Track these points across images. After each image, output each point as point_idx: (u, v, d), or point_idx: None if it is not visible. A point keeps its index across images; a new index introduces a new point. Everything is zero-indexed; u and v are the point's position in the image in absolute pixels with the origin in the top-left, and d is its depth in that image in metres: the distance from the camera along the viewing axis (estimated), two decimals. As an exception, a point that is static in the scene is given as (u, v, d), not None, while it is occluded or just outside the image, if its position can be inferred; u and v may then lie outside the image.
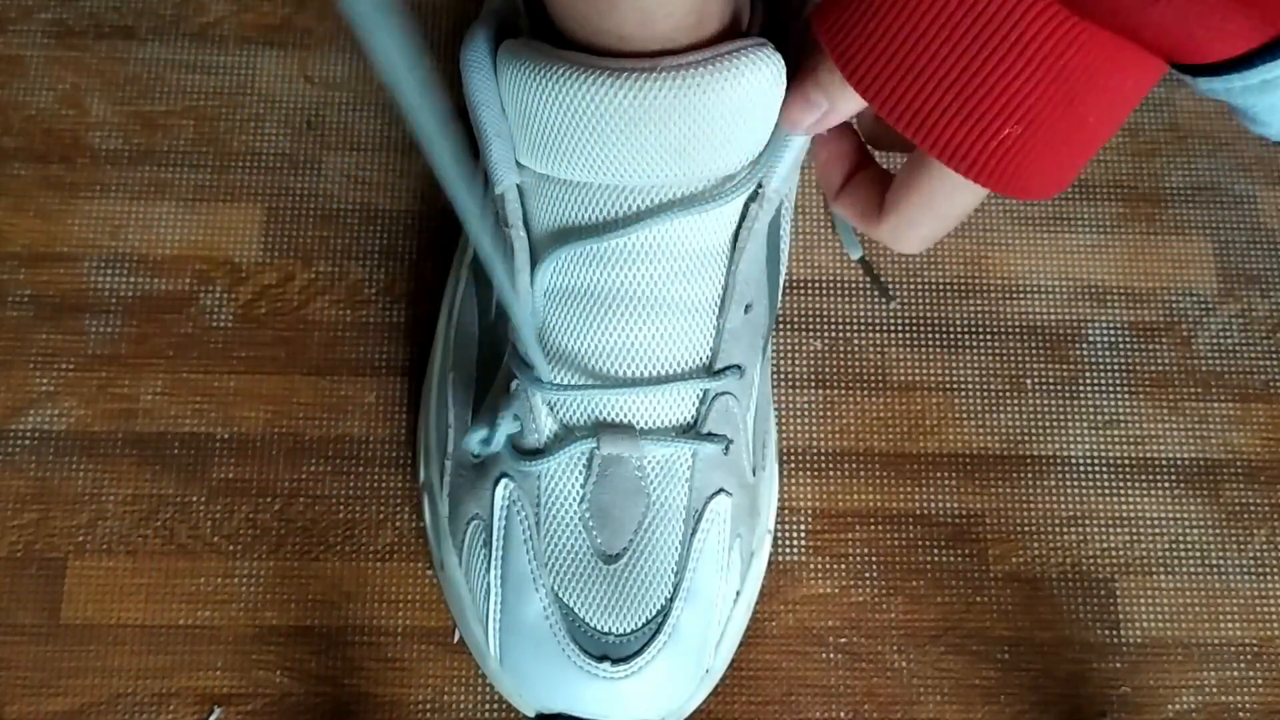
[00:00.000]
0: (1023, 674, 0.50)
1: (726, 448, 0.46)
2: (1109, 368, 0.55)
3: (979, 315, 0.56)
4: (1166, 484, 0.53)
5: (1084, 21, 0.30)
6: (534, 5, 0.42)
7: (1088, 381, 0.55)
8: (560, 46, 0.39)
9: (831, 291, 0.56)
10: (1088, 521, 0.53)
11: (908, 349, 0.55)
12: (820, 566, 0.51)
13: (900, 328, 0.55)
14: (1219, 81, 0.28)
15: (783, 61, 0.40)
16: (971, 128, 0.32)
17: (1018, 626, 0.51)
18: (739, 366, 0.45)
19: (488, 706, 0.49)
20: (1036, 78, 0.31)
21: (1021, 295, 0.56)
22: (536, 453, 0.45)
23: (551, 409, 0.45)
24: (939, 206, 0.38)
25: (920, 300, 0.56)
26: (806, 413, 0.54)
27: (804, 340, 0.55)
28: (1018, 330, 0.56)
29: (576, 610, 0.44)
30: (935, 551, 0.52)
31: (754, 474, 0.49)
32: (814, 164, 0.43)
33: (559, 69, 0.38)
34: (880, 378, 0.55)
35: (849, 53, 0.34)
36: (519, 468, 0.45)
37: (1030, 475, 0.53)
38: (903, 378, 0.54)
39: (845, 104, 0.37)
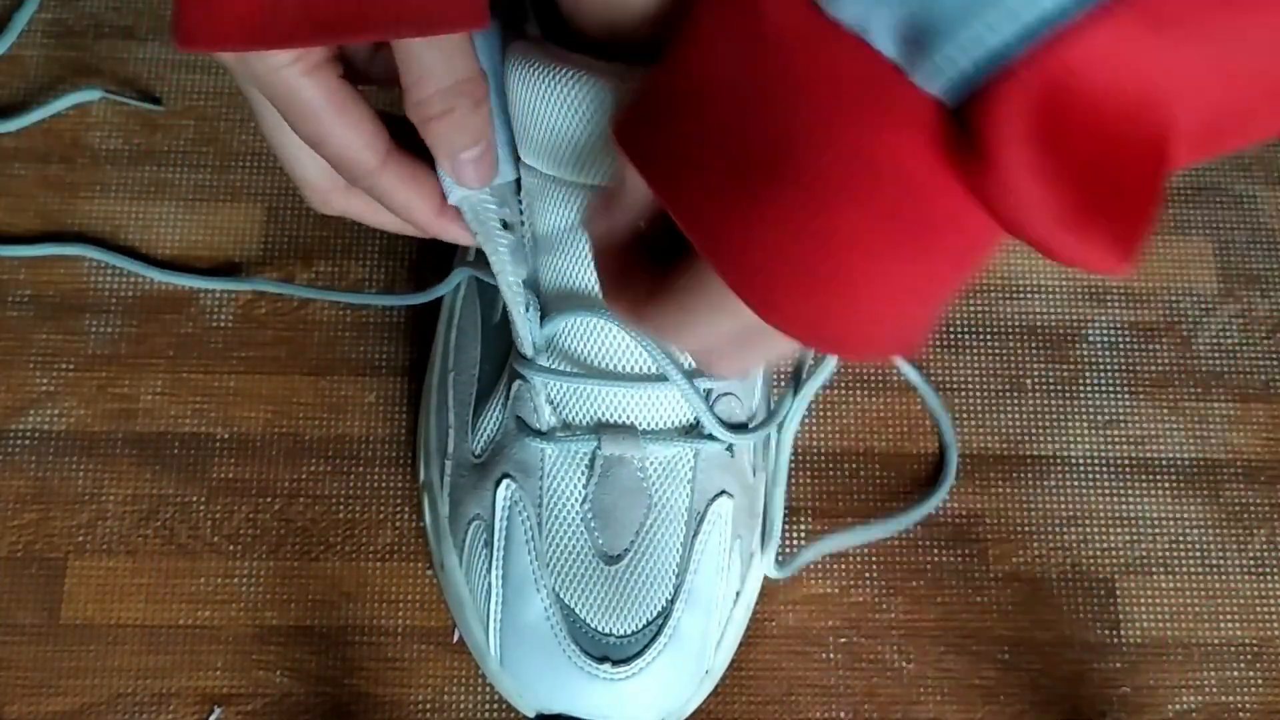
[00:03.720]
0: (1023, 674, 0.50)
1: (730, 448, 0.46)
2: (1109, 368, 0.55)
3: (979, 315, 0.56)
4: (1166, 484, 0.53)
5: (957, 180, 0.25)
6: (541, 4, 0.42)
7: (1088, 381, 0.55)
8: (568, 46, 0.39)
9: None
10: (1088, 521, 0.53)
11: (908, 349, 0.55)
12: (820, 566, 0.51)
13: (900, 328, 0.55)
14: None
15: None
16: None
17: (1018, 626, 0.51)
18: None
19: (488, 706, 0.49)
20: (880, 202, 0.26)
21: (1021, 295, 0.56)
22: (540, 434, 0.45)
23: (554, 407, 0.45)
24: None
25: (920, 300, 0.56)
26: (807, 413, 0.53)
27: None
28: (1018, 330, 0.56)
29: (577, 611, 0.44)
30: (935, 551, 0.52)
31: (755, 474, 0.49)
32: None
33: (565, 71, 0.38)
34: (880, 378, 0.54)
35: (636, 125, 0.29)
36: (521, 453, 0.44)
37: (1030, 475, 0.53)
38: (902, 378, 0.54)
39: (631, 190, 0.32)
